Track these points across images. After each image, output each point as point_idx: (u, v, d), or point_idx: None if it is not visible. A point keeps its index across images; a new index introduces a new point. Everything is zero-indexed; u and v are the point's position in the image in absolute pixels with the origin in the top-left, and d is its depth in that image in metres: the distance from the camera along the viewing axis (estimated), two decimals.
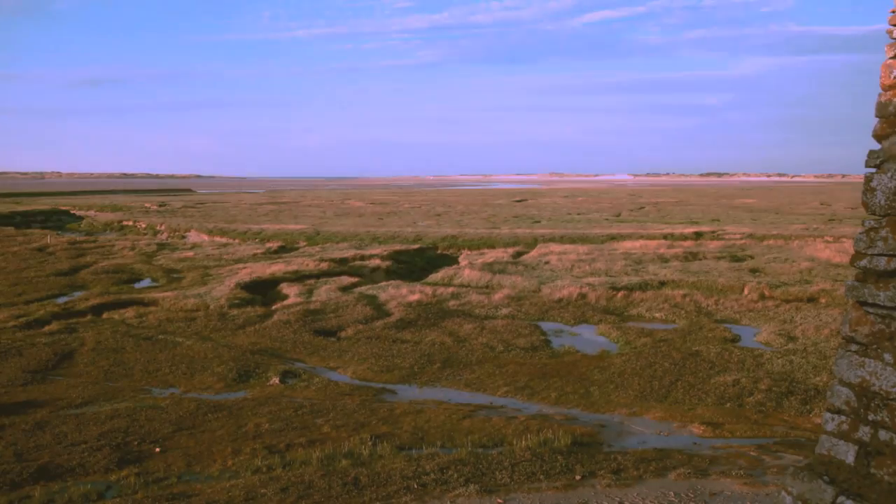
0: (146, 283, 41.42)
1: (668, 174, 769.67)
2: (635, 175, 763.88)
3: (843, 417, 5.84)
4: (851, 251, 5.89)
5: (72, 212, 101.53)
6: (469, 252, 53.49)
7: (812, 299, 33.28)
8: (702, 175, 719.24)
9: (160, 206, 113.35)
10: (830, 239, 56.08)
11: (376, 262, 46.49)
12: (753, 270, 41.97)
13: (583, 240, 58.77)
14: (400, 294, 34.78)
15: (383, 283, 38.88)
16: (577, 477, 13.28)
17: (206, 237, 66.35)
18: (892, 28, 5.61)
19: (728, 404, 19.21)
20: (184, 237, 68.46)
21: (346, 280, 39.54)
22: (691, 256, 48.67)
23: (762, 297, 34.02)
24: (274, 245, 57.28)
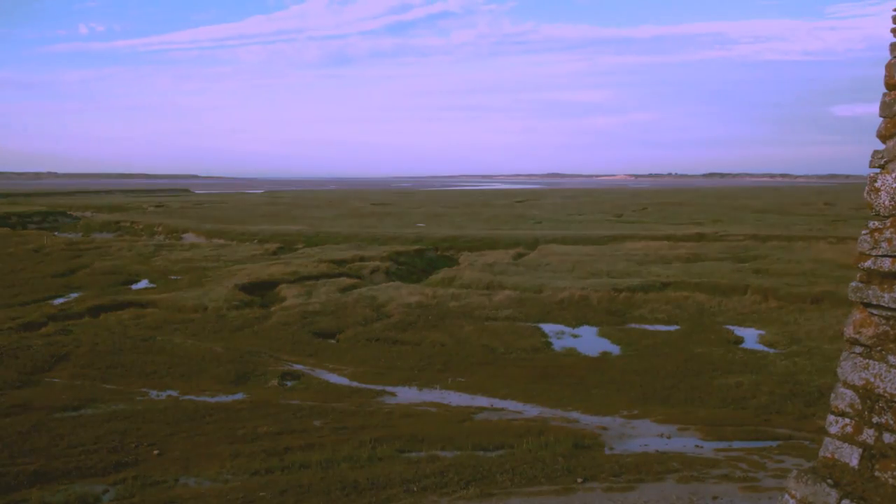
0: (143, 284, 41.41)
1: (669, 174, 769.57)
2: (636, 175, 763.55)
3: (847, 420, 5.75)
4: (855, 252, 5.77)
5: (69, 212, 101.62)
6: (469, 253, 53.42)
7: (816, 300, 33.12)
8: (704, 175, 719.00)
9: (157, 206, 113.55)
10: (834, 240, 55.89)
11: (376, 263, 46.43)
12: (757, 271, 41.81)
13: (584, 241, 58.66)
14: (399, 295, 34.70)
15: (383, 285, 38.83)
16: (578, 480, 13.14)
17: (203, 238, 66.36)
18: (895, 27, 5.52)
19: (730, 406, 19.07)
20: (181, 238, 68.45)
21: (346, 281, 39.48)
22: (694, 257, 48.53)
23: (765, 298, 33.88)
24: (272, 246, 57.30)
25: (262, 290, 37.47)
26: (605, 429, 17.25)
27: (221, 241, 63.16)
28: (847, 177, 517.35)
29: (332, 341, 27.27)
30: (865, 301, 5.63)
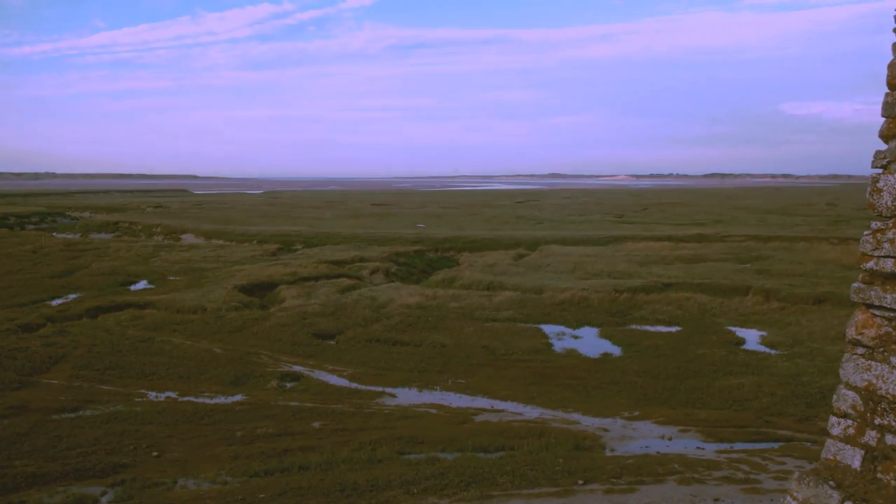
0: (142, 285, 41.32)
1: (670, 174, 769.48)
2: (638, 176, 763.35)
3: (849, 422, 5.70)
4: (858, 253, 5.72)
5: (67, 213, 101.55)
6: (470, 254, 53.34)
7: (818, 301, 33.00)
8: (705, 176, 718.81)
9: (156, 206, 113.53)
10: (836, 240, 55.77)
11: (375, 263, 46.37)
12: (758, 272, 41.70)
13: (585, 241, 58.57)
14: (399, 296, 34.62)
15: (383, 286, 38.77)
16: (579, 482, 13.09)
17: (202, 239, 66.30)
18: None
19: (732, 408, 18.99)
20: (180, 238, 68.39)
21: (345, 282, 39.41)
22: (695, 258, 48.43)
23: (767, 299, 33.79)
24: (272, 247, 57.26)
25: (261, 291, 37.39)
26: (605, 430, 17.18)
27: (220, 242, 63.09)
28: (849, 177, 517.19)
29: (332, 342, 27.21)
30: (868, 302, 5.58)
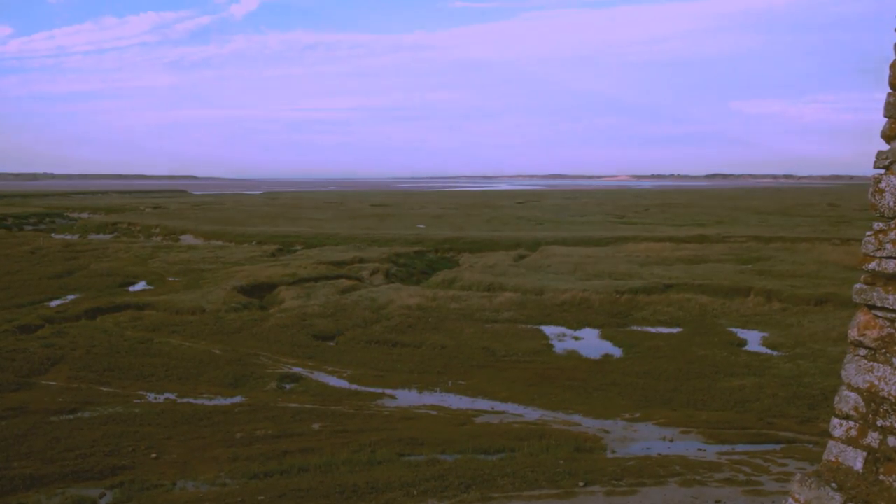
0: (141, 286, 41.26)
1: (671, 175, 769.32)
2: (638, 177, 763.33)
3: (852, 423, 5.66)
4: (860, 254, 5.68)
5: (65, 214, 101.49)
6: (470, 255, 53.29)
7: (820, 302, 32.92)
8: (707, 176, 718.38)
9: (155, 207, 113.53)
10: (838, 241, 55.68)
11: (375, 264, 46.32)
12: (760, 273, 41.62)
13: (586, 242, 58.50)
14: (399, 297, 34.57)
15: (382, 287, 38.71)
16: (580, 483, 13.03)
17: (201, 239, 66.27)
18: None
19: (733, 409, 18.93)
20: (178, 239, 68.36)
21: (345, 283, 39.35)
22: (696, 259, 48.36)
23: (768, 300, 33.72)
24: (271, 247, 57.22)
25: (260, 292, 37.33)
26: (606, 432, 17.12)
27: (219, 243, 63.03)
28: (851, 178, 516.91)
29: (331, 343, 27.15)
30: (870, 303, 5.54)
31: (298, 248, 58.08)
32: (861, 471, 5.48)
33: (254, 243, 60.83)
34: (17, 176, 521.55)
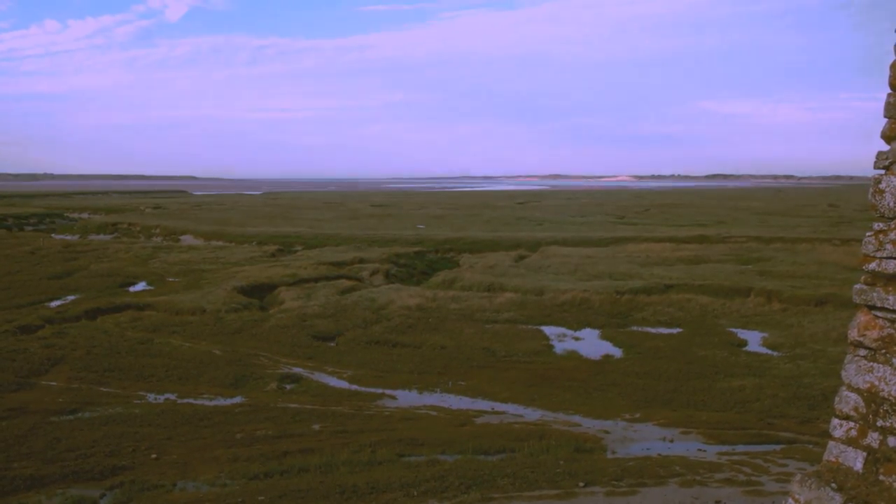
0: (141, 286, 41.25)
1: (672, 175, 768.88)
2: (639, 177, 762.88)
3: (852, 423, 5.66)
4: (860, 254, 5.68)
5: (66, 214, 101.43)
6: (470, 255, 53.27)
7: (820, 303, 32.92)
8: (707, 177, 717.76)
9: (155, 207, 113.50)
10: (838, 241, 55.67)
11: (375, 265, 46.32)
12: (760, 273, 41.61)
13: (586, 242, 58.49)
14: (399, 298, 34.57)
15: (382, 287, 38.70)
16: (580, 484, 13.03)
17: (202, 240, 66.28)
18: None
19: (733, 410, 18.93)
20: (179, 240, 68.37)
21: (345, 283, 39.34)
22: (697, 259, 48.36)
23: (769, 300, 33.72)
24: (271, 248, 57.20)
25: (260, 293, 37.33)
26: (606, 432, 17.11)
27: (220, 243, 63.00)
28: (851, 178, 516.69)
29: (332, 344, 27.16)
30: (870, 303, 5.54)
31: (298, 248, 58.09)
32: (861, 471, 5.49)
33: (254, 244, 60.83)
34: (17, 176, 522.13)
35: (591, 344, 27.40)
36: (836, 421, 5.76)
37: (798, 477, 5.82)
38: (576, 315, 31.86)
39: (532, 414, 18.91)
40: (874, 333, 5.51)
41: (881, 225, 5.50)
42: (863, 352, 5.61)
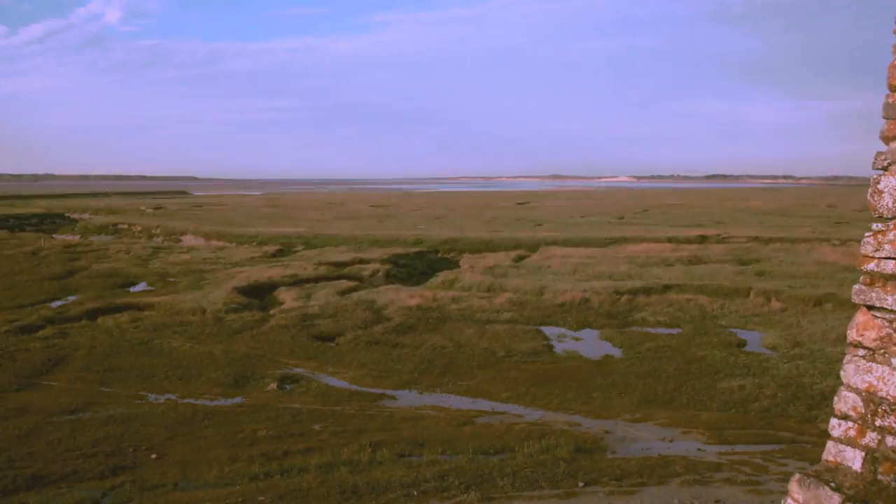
0: (141, 287, 41.25)
1: (672, 176, 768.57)
2: (639, 177, 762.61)
3: (850, 423, 5.69)
4: (859, 254, 5.71)
5: (66, 215, 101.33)
6: (470, 255, 53.28)
7: (819, 303, 32.95)
8: (707, 177, 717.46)
9: (156, 208, 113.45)
10: (837, 242, 55.70)
11: (375, 265, 46.33)
12: (759, 274, 41.64)
13: (586, 243, 58.49)
14: (399, 298, 34.59)
15: (382, 288, 38.70)
16: (580, 484, 13.06)
17: (202, 240, 66.29)
18: None
19: (733, 410, 18.95)
20: (179, 240, 68.41)
21: (345, 284, 39.34)
22: (696, 260, 48.38)
23: (768, 300, 33.75)
24: (271, 248, 57.20)
25: (260, 293, 37.33)
26: (607, 432, 17.13)
27: (220, 244, 63.00)
28: (850, 178, 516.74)
29: (332, 344, 27.18)
30: (869, 304, 5.56)
31: (298, 248, 58.08)
32: (859, 471, 5.51)
33: (254, 244, 60.84)
34: (18, 177, 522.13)
35: (590, 344, 27.42)
36: (834, 421, 5.79)
37: (797, 476, 5.84)
38: (576, 315, 31.89)
39: (532, 414, 18.94)
40: (873, 333, 5.54)
41: (880, 225, 5.52)
42: (861, 352, 5.64)
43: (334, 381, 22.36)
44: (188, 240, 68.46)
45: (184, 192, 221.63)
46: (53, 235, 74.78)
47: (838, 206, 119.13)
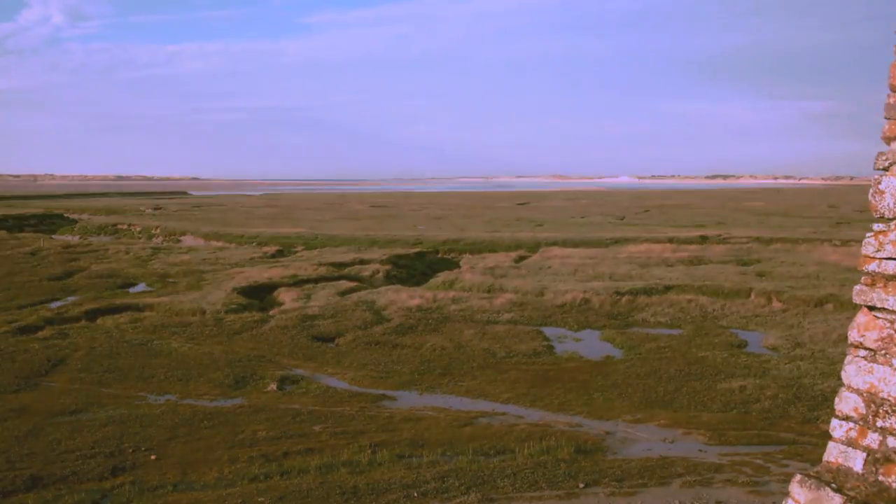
0: (141, 287, 41.20)
1: (673, 176, 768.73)
2: (640, 177, 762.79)
3: (851, 424, 5.67)
4: (860, 255, 5.70)
5: (65, 215, 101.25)
6: (470, 256, 53.24)
7: (820, 304, 32.90)
8: (707, 177, 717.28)
9: (155, 209, 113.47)
10: (838, 242, 55.66)
11: (375, 266, 46.31)
12: (760, 274, 41.59)
13: (586, 243, 58.47)
14: (399, 299, 34.56)
15: (382, 288, 38.66)
16: (580, 485, 13.05)
17: (201, 240, 66.30)
18: None
19: (734, 411, 18.92)
20: (179, 240, 68.41)
21: (345, 285, 39.30)
22: (697, 260, 48.33)
23: (769, 301, 33.71)
24: (271, 249, 57.18)
25: (260, 294, 37.30)
26: (607, 433, 17.12)
27: (220, 244, 63.00)
28: (851, 178, 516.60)
29: (332, 345, 27.16)
30: (870, 304, 5.55)
31: (298, 249, 58.05)
32: (861, 472, 5.49)
33: (254, 244, 60.80)
34: (18, 178, 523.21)
35: (591, 345, 27.39)
36: (835, 421, 5.77)
37: (798, 477, 5.82)
38: (576, 316, 31.86)
39: (533, 415, 18.91)
40: (874, 334, 5.52)
41: (881, 226, 5.51)
42: (863, 352, 5.62)
43: (334, 382, 22.34)
44: (188, 240, 68.49)
45: (183, 193, 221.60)
46: (52, 236, 74.75)
47: (839, 207, 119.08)
